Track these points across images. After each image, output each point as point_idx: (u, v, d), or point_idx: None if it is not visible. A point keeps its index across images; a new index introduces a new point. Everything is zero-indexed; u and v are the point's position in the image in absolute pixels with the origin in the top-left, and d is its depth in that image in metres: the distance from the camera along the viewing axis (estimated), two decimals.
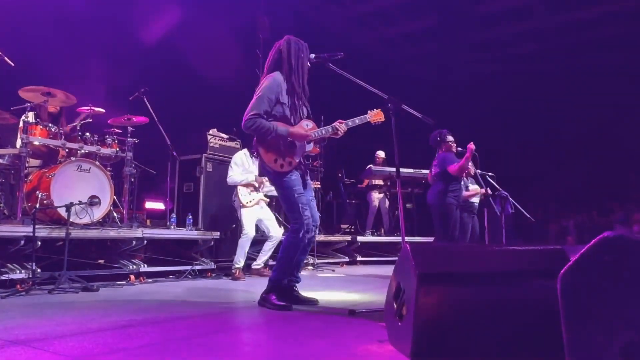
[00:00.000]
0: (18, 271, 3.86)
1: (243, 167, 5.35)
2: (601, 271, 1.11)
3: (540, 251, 1.94)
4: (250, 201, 5.28)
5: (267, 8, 8.60)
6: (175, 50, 7.23)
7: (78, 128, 4.90)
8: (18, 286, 3.72)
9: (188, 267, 5.17)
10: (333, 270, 6.53)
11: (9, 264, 3.89)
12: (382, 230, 8.91)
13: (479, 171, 5.76)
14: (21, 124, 4.61)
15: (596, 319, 1.13)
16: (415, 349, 1.79)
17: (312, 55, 3.41)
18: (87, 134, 4.89)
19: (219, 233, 5.50)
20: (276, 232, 5.41)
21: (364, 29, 10.49)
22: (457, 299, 1.86)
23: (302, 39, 3.44)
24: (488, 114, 10.86)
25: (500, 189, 6.10)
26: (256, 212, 5.32)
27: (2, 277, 3.77)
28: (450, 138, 5.51)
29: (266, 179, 4.86)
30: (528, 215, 6.19)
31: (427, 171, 7.99)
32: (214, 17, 7.59)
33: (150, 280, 4.79)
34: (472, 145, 5.26)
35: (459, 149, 5.56)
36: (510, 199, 5.94)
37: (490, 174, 6.09)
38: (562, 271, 1.17)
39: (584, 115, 10.89)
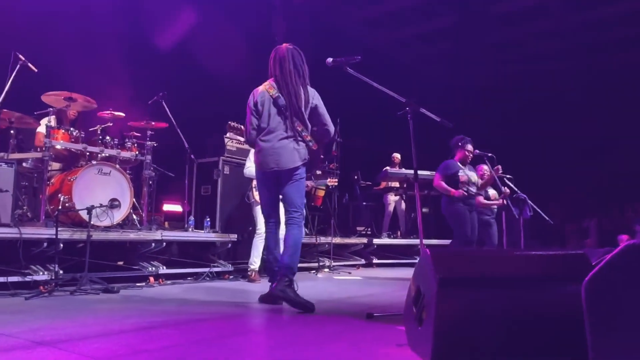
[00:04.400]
0: (41, 273, 3.94)
1: None
2: (626, 278, 1.10)
3: (562, 256, 1.93)
4: None
5: (282, 11, 8.65)
6: (193, 55, 7.30)
7: (98, 132, 4.98)
8: (41, 287, 3.79)
9: (206, 269, 5.21)
10: (349, 273, 6.54)
11: (32, 266, 3.97)
12: (399, 233, 8.88)
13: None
14: (43, 128, 4.70)
15: (621, 325, 1.12)
16: (436, 354, 1.79)
17: (330, 59, 3.43)
18: (108, 137, 4.97)
19: (236, 235, 5.54)
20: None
21: (379, 30, 10.47)
22: (478, 303, 1.85)
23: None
24: (506, 114, 10.77)
25: (519, 192, 6.06)
26: None
27: (26, 279, 3.85)
28: (469, 147, 5.48)
29: None
30: (547, 218, 6.14)
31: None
32: (230, 21, 7.65)
33: (169, 282, 4.84)
34: (461, 193, 5.31)
35: (477, 151, 5.56)
36: (529, 201, 5.90)
37: (508, 176, 6.06)
38: (586, 278, 1.17)
39: (604, 114, 10.73)
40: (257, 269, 5.18)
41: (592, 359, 1.20)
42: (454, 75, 10.92)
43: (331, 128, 3.72)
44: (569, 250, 1.99)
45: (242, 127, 4.51)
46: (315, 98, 3.70)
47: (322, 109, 3.70)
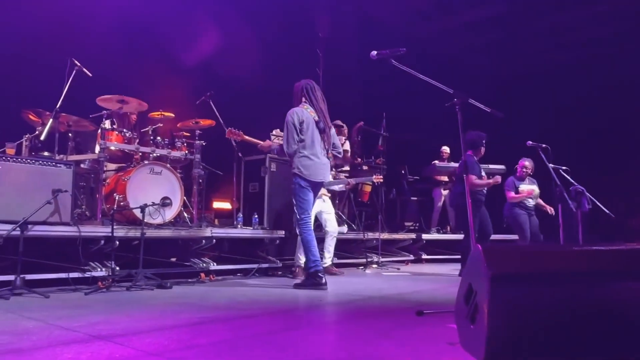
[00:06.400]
0: (99, 269, 4.12)
1: None
2: None
3: (624, 251, 1.81)
4: None
5: (325, 4, 8.59)
6: (237, 54, 7.40)
7: (150, 133, 5.13)
8: (99, 283, 3.96)
9: (255, 266, 5.29)
10: (398, 269, 6.45)
11: (91, 262, 4.16)
12: (448, 228, 8.68)
13: (551, 165, 5.48)
14: (99, 131, 4.90)
15: None
16: (489, 353, 1.72)
17: (374, 52, 3.37)
18: (159, 137, 5.11)
19: (283, 232, 5.58)
20: (331, 227, 5.47)
21: (425, 20, 10.23)
22: (533, 301, 1.76)
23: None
24: (562, 102, 10.28)
25: (576, 183, 5.77)
26: (317, 206, 5.35)
27: (86, 275, 4.03)
28: (483, 150, 5.61)
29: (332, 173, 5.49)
30: (607, 211, 5.82)
31: (494, 166, 7.79)
32: (274, 18, 7.69)
33: (219, 278, 4.94)
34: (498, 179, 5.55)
35: (530, 142, 5.43)
36: (587, 193, 5.61)
37: (564, 167, 5.78)
38: None
39: None
40: (302, 265, 5.21)
41: None
42: (506, 64, 10.53)
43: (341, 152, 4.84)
44: (633, 245, 1.86)
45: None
46: (332, 127, 4.55)
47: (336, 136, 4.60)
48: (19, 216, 3.61)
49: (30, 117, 4.83)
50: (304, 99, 4.40)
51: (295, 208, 4.33)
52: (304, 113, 4.31)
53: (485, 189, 5.58)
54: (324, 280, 4.16)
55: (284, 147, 4.30)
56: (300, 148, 4.27)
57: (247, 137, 4.75)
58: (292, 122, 4.25)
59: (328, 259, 5.53)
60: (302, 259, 5.20)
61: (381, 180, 6.58)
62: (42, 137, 4.50)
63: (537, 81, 10.38)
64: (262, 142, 4.67)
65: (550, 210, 6.35)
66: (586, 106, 9.87)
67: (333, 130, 4.56)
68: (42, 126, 4.63)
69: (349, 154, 7.31)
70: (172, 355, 1.96)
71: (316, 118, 4.34)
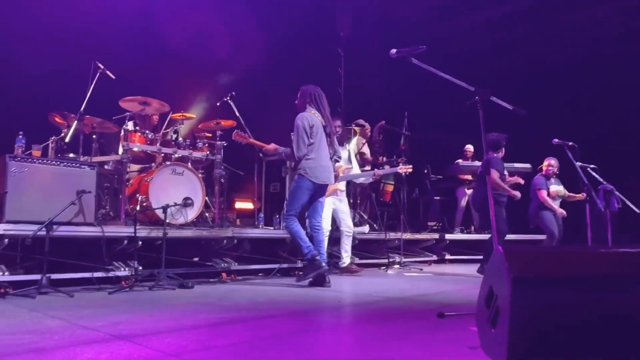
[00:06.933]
0: (122, 269, 4.18)
1: None
2: None
3: None
4: None
5: (346, 2, 8.54)
6: (258, 55, 7.42)
7: (172, 134, 5.19)
8: (123, 283, 4.01)
9: (276, 266, 5.28)
10: (421, 270, 6.37)
11: (114, 262, 4.22)
12: (472, 228, 8.54)
13: (579, 163, 5.32)
14: (122, 132, 4.97)
15: None
16: (511, 358, 1.67)
17: (394, 51, 3.32)
18: (180, 138, 5.16)
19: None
20: (346, 225, 5.44)
21: (447, 17, 10.08)
22: (556, 304, 1.71)
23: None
24: (588, 99, 10.01)
25: (604, 182, 5.60)
26: (332, 204, 5.33)
27: (109, 274, 4.10)
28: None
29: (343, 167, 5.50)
30: (637, 211, 5.63)
31: (519, 165, 7.61)
32: (294, 18, 7.68)
33: (240, 278, 4.95)
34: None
35: (556, 140, 5.28)
36: (617, 192, 5.44)
37: (592, 165, 5.61)
38: None
39: None
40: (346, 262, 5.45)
41: None
42: (529, 61, 10.31)
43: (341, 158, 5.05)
44: None
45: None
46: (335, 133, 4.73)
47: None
48: (44, 217, 3.69)
49: (56, 119, 4.93)
50: (310, 104, 4.50)
51: (286, 203, 4.50)
52: (313, 118, 4.43)
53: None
54: (323, 264, 4.34)
55: (294, 150, 4.37)
56: (307, 151, 4.38)
57: (252, 140, 4.82)
58: (302, 126, 4.36)
59: (346, 257, 5.50)
60: (344, 256, 5.42)
61: (410, 170, 6.39)
62: (67, 139, 4.59)
63: (563, 76, 10.13)
64: (267, 145, 4.70)
65: (582, 196, 6.01)
66: (609, 103, 9.59)
67: (335, 137, 4.75)
68: (67, 128, 4.72)
69: (368, 155, 7.25)
70: (190, 356, 1.97)
71: (324, 123, 4.49)
